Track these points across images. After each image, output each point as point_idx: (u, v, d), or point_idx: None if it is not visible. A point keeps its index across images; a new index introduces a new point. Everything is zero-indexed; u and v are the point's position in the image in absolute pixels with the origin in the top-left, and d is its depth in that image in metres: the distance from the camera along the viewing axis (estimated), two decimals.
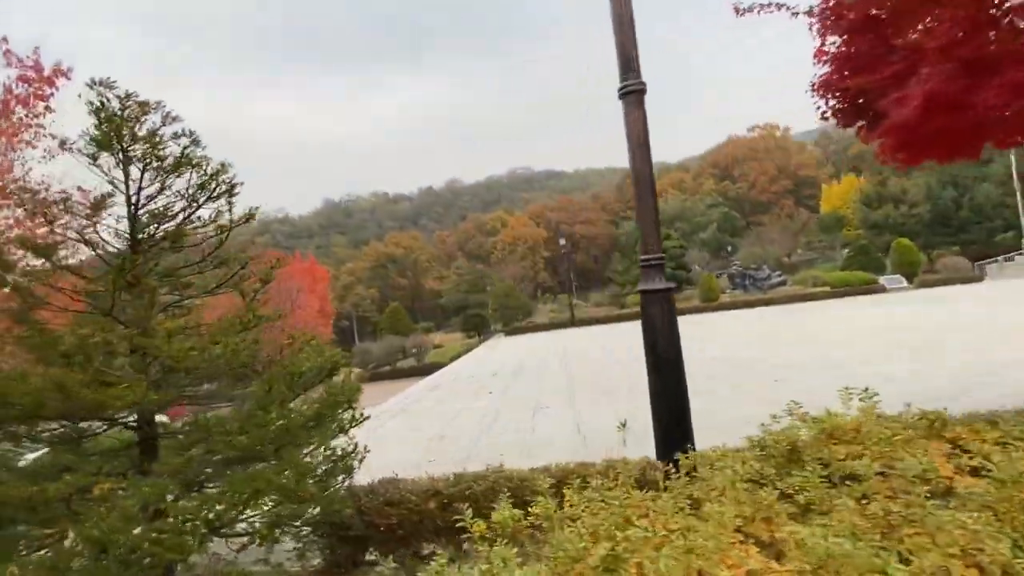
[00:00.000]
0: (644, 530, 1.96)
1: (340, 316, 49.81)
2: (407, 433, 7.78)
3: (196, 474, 2.83)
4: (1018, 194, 33.45)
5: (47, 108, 8.84)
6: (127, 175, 3.26)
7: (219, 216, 3.49)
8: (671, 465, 2.84)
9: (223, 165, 3.38)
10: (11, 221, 9.23)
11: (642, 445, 5.60)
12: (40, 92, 8.77)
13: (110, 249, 3.31)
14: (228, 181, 3.41)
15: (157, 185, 3.23)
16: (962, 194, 39.19)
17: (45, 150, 9.07)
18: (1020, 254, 30.10)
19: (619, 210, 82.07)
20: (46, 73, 8.80)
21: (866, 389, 2.61)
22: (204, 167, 3.21)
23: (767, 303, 26.99)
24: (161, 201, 3.32)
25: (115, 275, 3.01)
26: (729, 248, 42.04)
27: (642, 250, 3.19)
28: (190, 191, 3.28)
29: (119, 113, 3.01)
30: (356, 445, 3.35)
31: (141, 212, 3.21)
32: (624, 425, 4.99)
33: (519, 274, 59.07)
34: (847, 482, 2.19)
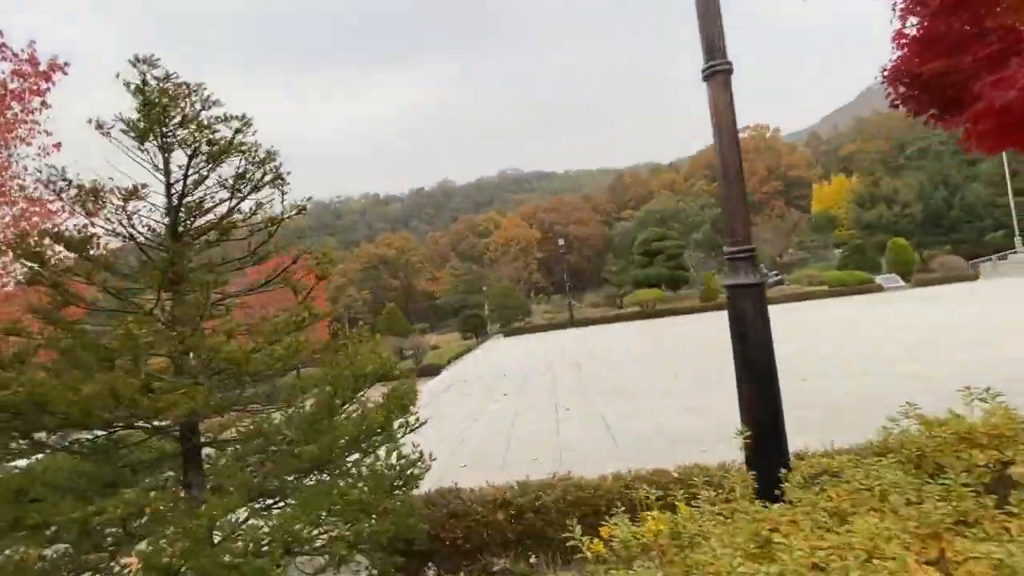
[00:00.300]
0: (789, 548, 1.74)
1: (332, 318, 49.40)
2: (428, 437, 7.50)
3: (257, 488, 2.57)
4: (1010, 194, 33.86)
5: (43, 104, 8.50)
6: (167, 162, 3.00)
7: (259, 208, 3.24)
8: (767, 474, 2.63)
9: (270, 152, 3.13)
10: (7, 219, 8.87)
11: (681, 448, 5.37)
12: (36, 87, 8.43)
13: (140, 241, 3.04)
14: (275, 169, 3.16)
15: (202, 173, 2.97)
16: (953, 194, 39.63)
17: (39, 147, 8.74)
18: (1014, 252, 30.43)
19: (612, 211, 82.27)
20: (42, 68, 8.47)
21: (987, 389, 2.42)
22: (253, 153, 2.95)
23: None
24: (201, 191, 3.06)
25: (160, 271, 2.75)
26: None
27: (729, 242, 2.98)
28: (235, 180, 3.02)
29: (161, 94, 2.75)
30: (421, 452, 3.11)
31: (186, 202, 2.95)
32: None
33: (512, 275, 58.90)
34: (992, 492, 2.00)
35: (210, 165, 2.94)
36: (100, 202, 2.79)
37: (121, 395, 2.19)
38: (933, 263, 29.72)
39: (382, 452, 2.91)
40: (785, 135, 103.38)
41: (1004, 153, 35.38)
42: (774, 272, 31.88)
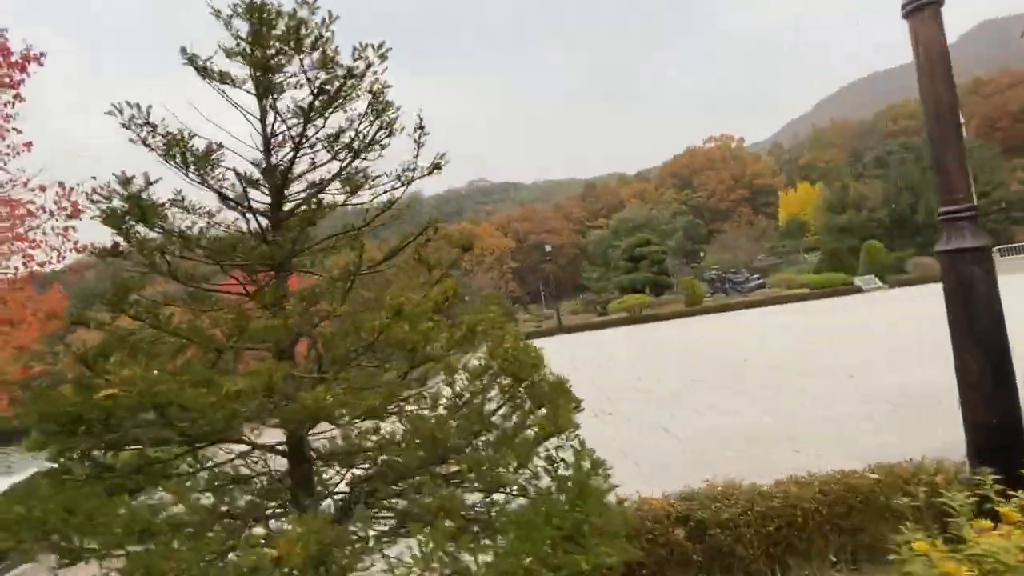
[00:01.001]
0: None
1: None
2: None
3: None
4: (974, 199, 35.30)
5: (17, 97, 7.68)
6: (268, 110, 2.39)
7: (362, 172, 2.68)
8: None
9: (389, 101, 2.57)
10: None
11: (755, 447, 4.82)
12: (8, 79, 7.60)
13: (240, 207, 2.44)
14: (391, 121, 2.60)
15: (315, 124, 2.39)
16: (917, 199, 41.18)
17: (8, 146, 7.88)
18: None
19: (584, 219, 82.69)
20: (15, 58, 7.64)
21: None
22: (380, 93, 2.39)
23: (749, 306, 27.25)
24: (310, 148, 2.48)
25: (277, 245, 2.17)
26: (702, 254, 42.70)
27: (944, 199, 2.58)
28: (355, 130, 2.45)
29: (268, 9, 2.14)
30: (599, 459, 2.56)
31: (299, 157, 2.37)
32: None
33: (488, 284, 58.35)
34: None
35: (323, 112, 2.36)
36: (204, 159, 2.19)
37: (275, 390, 1.60)
38: (908, 264, 30.62)
39: (566, 454, 2.35)
40: (749, 144, 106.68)
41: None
42: (755, 276, 32.31)
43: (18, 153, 7.98)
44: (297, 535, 1.45)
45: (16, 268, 7.91)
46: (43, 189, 7.89)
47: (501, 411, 2.43)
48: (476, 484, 2.04)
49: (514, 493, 2.13)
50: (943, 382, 6.43)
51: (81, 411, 1.63)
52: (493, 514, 2.00)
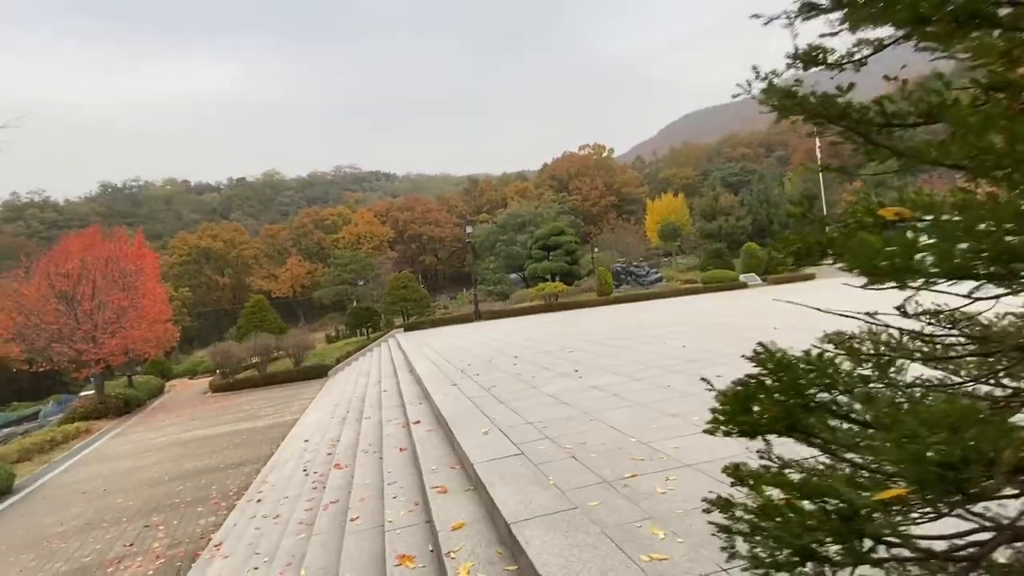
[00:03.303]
0: None
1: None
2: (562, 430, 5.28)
3: None
4: (824, 210, 41.00)
5: None
6: None
7: None
8: None
9: None
10: None
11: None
12: None
13: None
14: None
15: None
16: (773, 211, 46.81)
17: None
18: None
19: (468, 213, 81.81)
20: None
21: None
22: None
23: (654, 296, 28.38)
24: None
25: None
26: (596, 249, 44.25)
27: None
28: None
29: None
30: None
31: None
32: None
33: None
34: None
35: None
36: None
37: None
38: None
39: None
40: (616, 156, 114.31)
41: (822, 177, 42.71)
42: (655, 270, 33.95)
43: None
44: None
45: None
46: None
47: None
48: None
49: None
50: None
51: None
52: None
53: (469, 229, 27.67)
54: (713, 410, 1.36)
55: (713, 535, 1.16)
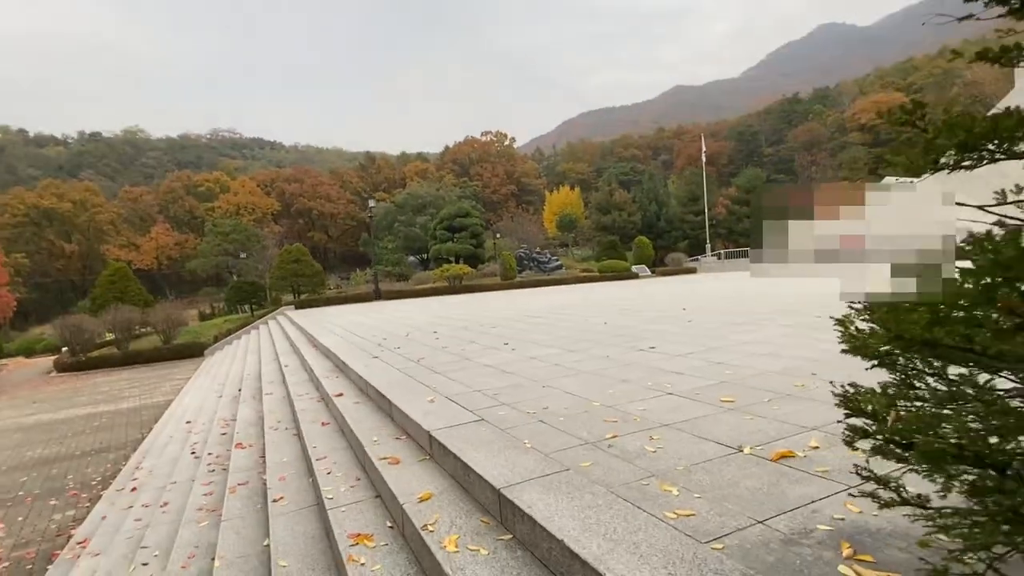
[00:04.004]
0: None
1: None
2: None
3: None
4: (705, 211, 44.54)
5: None
6: None
7: None
8: None
9: None
10: None
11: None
12: None
13: None
14: None
15: None
16: (660, 208, 49.96)
17: None
18: (705, 256, 40.11)
19: (363, 191, 78.05)
20: None
21: None
22: None
23: (556, 283, 29.06)
24: None
25: None
26: (498, 235, 44.33)
27: None
28: None
29: None
30: None
31: None
32: None
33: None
34: None
35: None
36: None
37: None
38: (667, 258, 36.80)
39: None
40: (517, 146, 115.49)
41: (706, 182, 46.22)
42: (555, 258, 34.72)
43: None
44: None
45: None
46: None
47: None
48: None
49: None
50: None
51: None
52: None
53: (372, 203, 26.18)
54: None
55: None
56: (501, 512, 2.46)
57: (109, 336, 21.88)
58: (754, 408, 3.49)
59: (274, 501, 3.80)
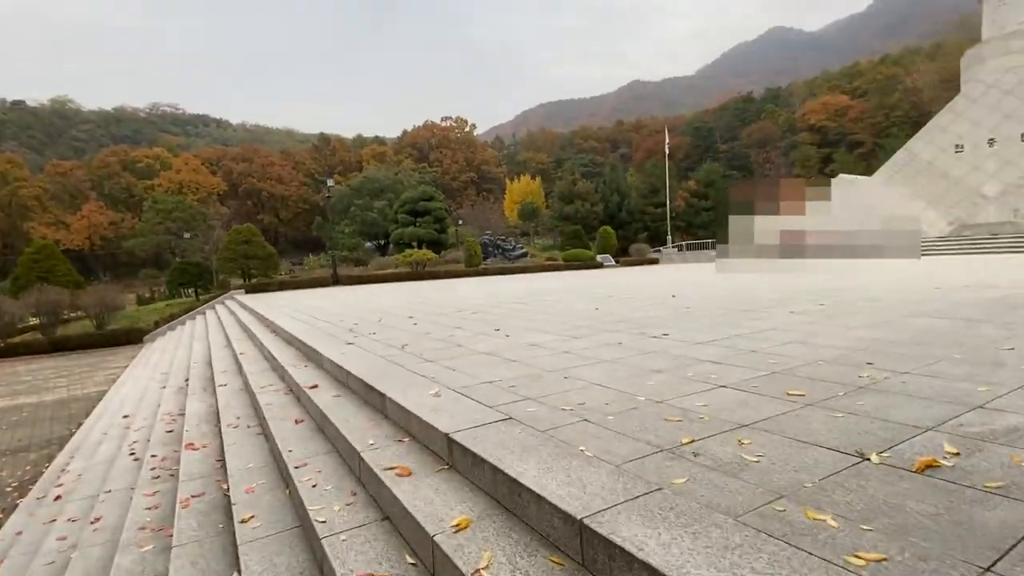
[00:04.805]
0: None
1: None
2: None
3: None
4: (667, 206, 44.91)
5: None
6: None
7: None
8: None
9: None
10: None
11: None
12: None
13: None
14: None
15: None
16: (623, 200, 50.14)
17: None
18: (666, 247, 40.53)
19: (317, 173, 74.80)
20: None
21: None
22: None
23: (521, 271, 28.50)
24: None
25: None
26: (460, 222, 43.18)
27: None
28: None
29: None
30: None
31: None
32: None
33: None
34: None
35: None
36: None
37: None
38: (631, 249, 36.83)
39: None
40: (477, 134, 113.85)
41: (668, 177, 46.54)
42: (520, 245, 34.11)
43: None
44: None
45: None
46: None
47: None
48: None
49: None
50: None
51: None
52: None
53: (330, 182, 24.66)
54: None
55: None
56: (583, 550, 1.80)
57: (33, 320, 19.82)
58: (833, 403, 2.96)
59: (242, 521, 3.01)
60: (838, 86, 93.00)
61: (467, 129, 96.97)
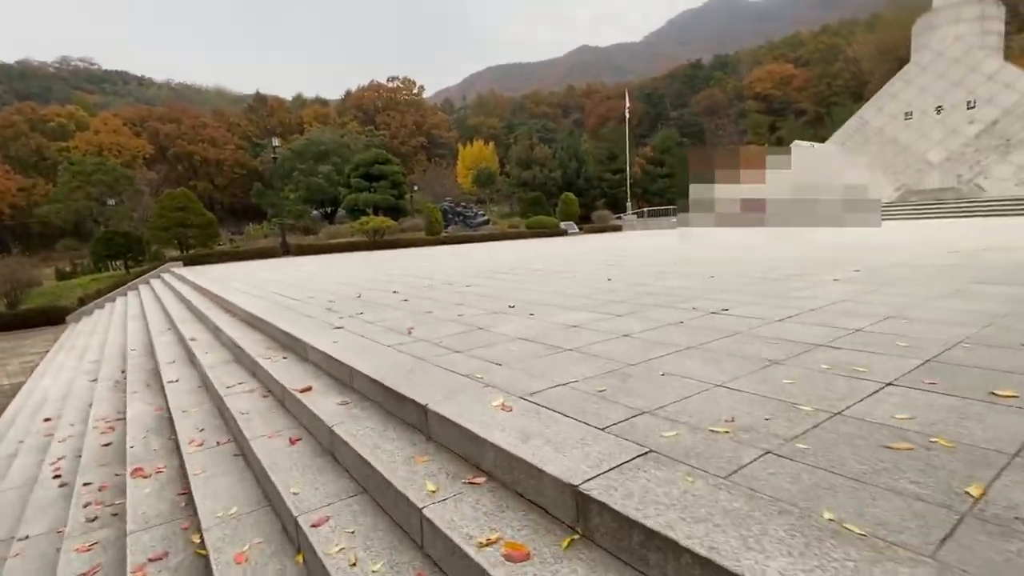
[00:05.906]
0: None
1: None
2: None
3: None
4: (627, 172, 44.42)
5: None
6: None
7: None
8: None
9: None
10: None
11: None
12: None
13: None
14: None
15: None
16: (580, 166, 49.32)
17: None
18: (627, 213, 40.30)
19: (254, 135, 69.59)
20: None
21: None
22: None
23: (484, 239, 27.38)
24: None
25: None
26: (416, 187, 41.11)
27: None
28: None
29: None
30: None
31: None
32: None
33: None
34: None
35: None
36: None
37: None
38: (593, 215, 36.20)
39: None
40: (426, 96, 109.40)
41: (630, 147, 45.91)
42: (481, 213, 32.79)
43: None
44: None
45: None
46: None
47: None
48: None
49: None
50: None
51: None
52: None
53: (276, 142, 22.32)
54: None
55: None
56: None
57: None
58: None
59: None
60: (782, 55, 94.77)
61: (415, 91, 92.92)
